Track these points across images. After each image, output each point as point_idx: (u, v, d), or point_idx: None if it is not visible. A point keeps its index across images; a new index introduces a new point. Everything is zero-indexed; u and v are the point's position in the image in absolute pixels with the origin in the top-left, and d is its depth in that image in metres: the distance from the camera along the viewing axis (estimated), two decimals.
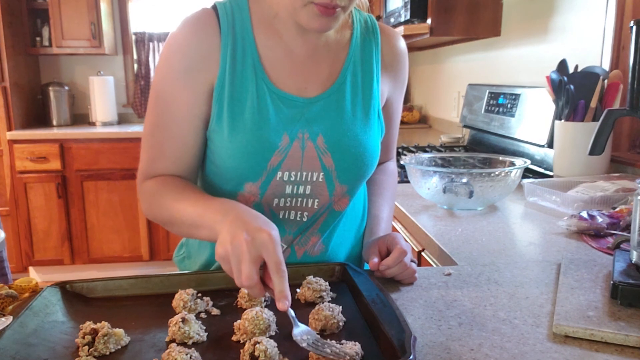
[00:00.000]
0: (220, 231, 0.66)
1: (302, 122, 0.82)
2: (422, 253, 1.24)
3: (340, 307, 0.68)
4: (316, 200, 0.86)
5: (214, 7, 0.83)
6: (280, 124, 0.81)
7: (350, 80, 0.86)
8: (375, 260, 0.80)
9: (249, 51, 0.81)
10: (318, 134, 0.83)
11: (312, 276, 0.78)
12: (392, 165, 1.07)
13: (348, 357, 0.57)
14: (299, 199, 0.86)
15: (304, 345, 0.59)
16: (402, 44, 0.94)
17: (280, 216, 0.87)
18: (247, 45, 0.82)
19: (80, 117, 3.89)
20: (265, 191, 0.84)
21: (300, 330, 0.62)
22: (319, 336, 0.62)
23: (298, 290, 0.77)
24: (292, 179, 0.84)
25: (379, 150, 0.90)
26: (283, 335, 0.66)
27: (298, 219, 0.87)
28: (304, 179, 0.84)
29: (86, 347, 0.61)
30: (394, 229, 1.48)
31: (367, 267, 0.96)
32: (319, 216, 0.89)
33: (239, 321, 0.66)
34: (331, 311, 0.66)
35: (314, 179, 0.85)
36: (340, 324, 0.67)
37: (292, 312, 0.63)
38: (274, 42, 0.83)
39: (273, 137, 0.81)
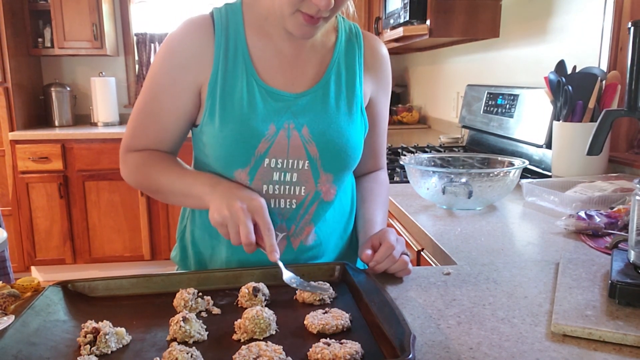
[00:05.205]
0: (212, 201, 0.81)
1: (288, 114, 0.89)
2: (422, 252, 1.24)
3: (349, 314, 0.69)
4: (302, 187, 0.91)
5: (211, 13, 0.91)
6: (267, 115, 0.88)
7: (334, 79, 0.93)
8: (368, 252, 0.83)
9: (240, 50, 0.89)
10: (303, 124, 0.89)
11: (314, 282, 0.78)
12: (383, 175, 1.09)
13: (327, 294, 0.74)
14: (287, 187, 0.91)
15: (294, 286, 0.75)
16: (384, 49, 1.01)
17: (272, 205, 0.91)
18: (239, 45, 0.89)
19: (82, 118, 3.90)
20: (254, 177, 0.89)
21: (289, 276, 0.77)
22: (302, 280, 0.78)
23: (297, 291, 0.77)
24: (279, 166, 0.89)
25: (362, 143, 0.96)
26: (283, 335, 0.66)
27: (287, 207, 0.92)
28: (290, 167, 0.90)
29: (88, 346, 0.62)
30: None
31: (359, 263, 0.98)
32: (308, 205, 0.92)
33: (239, 320, 0.67)
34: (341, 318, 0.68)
35: (300, 166, 0.90)
36: (344, 328, 0.67)
37: (280, 262, 0.78)
38: (264, 42, 0.91)
39: (260, 126, 0.87)
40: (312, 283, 0.77)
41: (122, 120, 3.91)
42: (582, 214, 1.10)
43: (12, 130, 3.37)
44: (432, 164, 1.48)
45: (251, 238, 0.76)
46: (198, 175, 0.88)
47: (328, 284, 0.78)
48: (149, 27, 3.97)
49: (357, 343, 0.60)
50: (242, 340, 0.64)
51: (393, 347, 0.58)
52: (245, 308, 0.73)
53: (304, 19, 0.81)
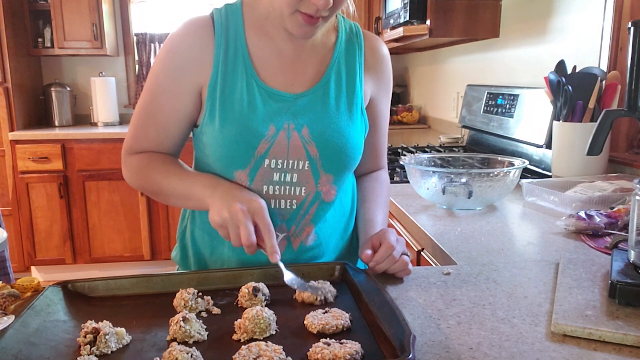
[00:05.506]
0: (212, 203, 0.81)
1: (288, 115, 0.88)
2: (422, 252, 1.24)
3: (349, 314, 0.69)
4: (303, 188, 0.91)
5: (211, 14, 0.91)
6: (267, 115, 0.88)
7: (334, 79, 0.92)
8: (368, 252, 0.83)
9: (240, 50, 0.89)
10: (303, 125, 0.89)
11: (315, 281, 0.79)
12: (384, 175, 1.09)
13: (325, 294, 0.74)
14: (287, 187, 0.90)
15: (294, 287, 0.75)
16: (385, 49, 1.01)
17: (272, 205, 0.91)
18: (238, 45, 0.89)
19: (82, 118, 3.90)
20: (254, 178, 0.89)
21: (290, 278, 0.77)
22: (302, 280, 0.78)
23: (297, 291, 0.77)
24: (279, 166, 0.89)
25: (362, 144, 0.96)
26: (283, 335, 0.66)
27: (288, 207, 0.92)
28: (290, 167, 0.90)
29: (88, 346, 0.62)
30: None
31: (359, 264, 0.98)
32: (309, 206, 0.92)
33: (239, 320, 0.67)
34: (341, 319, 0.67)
35: (300, 167, 0.90)
36: (344, 328, 0.67)
37: (281, 264, 0.77)
38: (264, 42, 0.91)
39: (260, 127, 0.87)
40: (313, 283, 0.77)
41: (122, 120, 3.92)
42: (582, 214, 1.10)
43: (12, 130, 3.37)
44: (432, 164, 1.48)
45: (252, 239, 0.76)
46: (198, 177, 0.88)
47: (329, 283, 0.78)
48: (149, 27, 3.97)
49: (357, 343, 0.60)
50: (242, 340, 0.64)
51: (393, 347, 0.58)
52: (245, 308, 0.73)
53: (303, 19, 0.81)
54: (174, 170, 0.90)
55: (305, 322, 0.68)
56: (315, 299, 0.75)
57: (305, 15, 0.81)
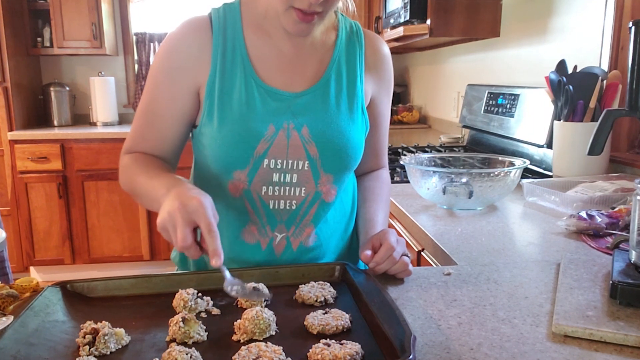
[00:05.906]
0: (161, 205, 0.73)
1: (287, 114, 0.88)
2: (422, 253, 1.24)
3: (349, 314, 0.69)
4: (303, 188, 0.91)
5: (209, 14, 0.91)
6: (266, 115, 0.87)
7: (334, 78, 0.92)
8: (368, 252, 0.82)
9: (238, 49, 0.89)
10: (303, 124, 0.88)
11: (316, 282, 0.78)
12: (384, 174, 1.09)
13: (267, 297, 0.73)
14: (286, 188, 0.90)
15: (233, 294, 0.70)
16: (386, 48, 1.00)
17: (271, 206, 0.91)
18: (237, 44, 0.89)
19: (81, 118, 3.89)
20: (253, 178, 0.88)
21: (229, 281, 0.71)
22: (244, 284, 0.72)
23: (296, 291, 0.77)
24: (279, 167, 0.88)
25: (362, 143, 0.95)
26: (283, 335, 0.66)
27: (287, 207, 0.91)
28: (290, 167, 0.89)
29: (87, 346, 0.62)
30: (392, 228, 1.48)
31: (360, 264, 0.97)
32: (309, 206, 0.92)
33: (239, 321, 0.67)
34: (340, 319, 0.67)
35: (300, 167, 0.89)
36: (345, 328, 0.67)
37: (224, 268, 0.71)
38: (263, 41, 0.90)
39: (259, 126, 0.86)
40: (253, 290, 0.74)
41: (122, 120, 3.91)
42: (583, 214, 1.10)
43: (11, 130, 3.37)
44: (433, 164, 1.48)
45: (186, 242, 0.69)
46: (162, 178, 0.81)
47: (329, 284, 0.77)
48: (148, 27, 3.97)
49: (357, 344, 0.60)
50: (242, 341, 0.64)
51: (393, 348, 0.58)
52: (245, 308, 0.73)
53: (297, 15, 0.80)
54: (149, 171, 0.85)
55: (305, 322, 0.68)
56: (315, 300, 0.74)
57: (300, 12, 0.80)
